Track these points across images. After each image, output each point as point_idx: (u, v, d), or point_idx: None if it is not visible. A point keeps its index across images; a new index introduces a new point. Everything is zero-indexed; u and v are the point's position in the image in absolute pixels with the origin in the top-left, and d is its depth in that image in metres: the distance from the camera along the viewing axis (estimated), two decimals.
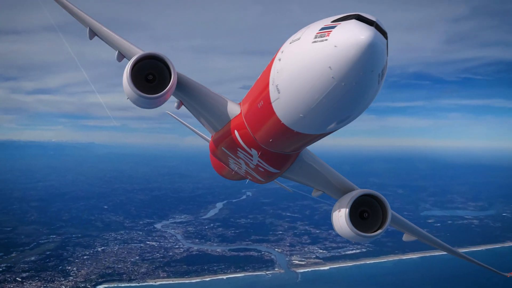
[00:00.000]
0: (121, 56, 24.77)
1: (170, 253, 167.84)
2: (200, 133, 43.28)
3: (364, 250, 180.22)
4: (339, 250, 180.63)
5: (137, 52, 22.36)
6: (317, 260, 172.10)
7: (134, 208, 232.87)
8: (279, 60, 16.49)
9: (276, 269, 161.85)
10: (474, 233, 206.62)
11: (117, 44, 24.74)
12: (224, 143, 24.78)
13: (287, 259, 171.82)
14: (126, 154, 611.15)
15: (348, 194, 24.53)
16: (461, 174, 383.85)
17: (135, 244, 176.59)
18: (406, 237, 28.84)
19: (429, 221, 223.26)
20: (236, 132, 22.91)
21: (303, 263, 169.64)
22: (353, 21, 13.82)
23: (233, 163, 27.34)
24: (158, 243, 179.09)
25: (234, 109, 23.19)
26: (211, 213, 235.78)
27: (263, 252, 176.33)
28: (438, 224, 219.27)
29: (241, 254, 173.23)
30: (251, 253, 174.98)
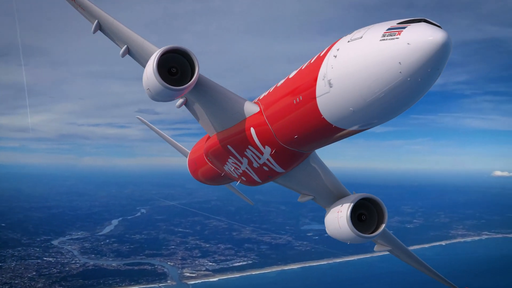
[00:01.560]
0: (126, 52, 25.50)
1: (67, 268, 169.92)
2: (171, 139, 44.43)
3: (250, 262, 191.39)
4: (227, 262, 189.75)
5: (151, 47, 23.90)
6: (207, 272, 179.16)
7: (31, 226, 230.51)
8: (335, 56, 17.24)
9: (168, 281, 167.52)
10: (348, 244, 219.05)
11: (127, 39, 25.18)
12: (231, 141, 25.44)
13: (179, 271, 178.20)
14: (24, 174, 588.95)
15: (346, 197, 25.90)
16: None
17: (32, 260, 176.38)
18: (378, 247, 29.92)
19: (308, 234, 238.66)
20: (252, 129, 23.52)
21: (194, 275, 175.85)
22: (424, 23, 14.90)
23: (231, 163, 27.61)
24: (55, 258, 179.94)
25: (251, 108, 23.92)
26: (107, 229, 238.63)
27: (156, 266, 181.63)
28: (316, 237, 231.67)
29: (136, 268, 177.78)
30: (145, 267, 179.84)
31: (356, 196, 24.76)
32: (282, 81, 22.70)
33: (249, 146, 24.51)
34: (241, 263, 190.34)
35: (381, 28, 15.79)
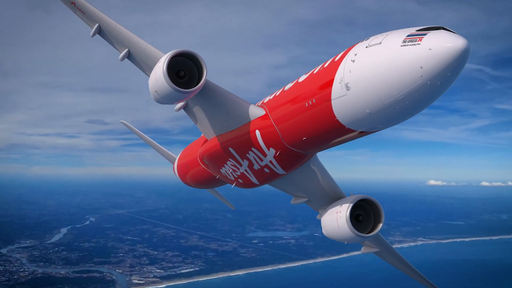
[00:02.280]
0: (125, 55, 25.67)
1: (15, 276, 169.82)
2: (157, 144, 44.44)
3: (197, 268, 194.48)
4: (175, 269, 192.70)
5: (154, 51, 24.35)
6: (155, 279, 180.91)
7: None
8: (352, 61, 17.84)
9: None
10: (291, 251, 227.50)
11: (129, 43, 25.39)
12: (234, 143, 25.82)
13: (127, 279, 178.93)
14: None
15: (344, 199, 26.36)
16: (281, 200, 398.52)
17: None
18: (365, 249, 30.55)
19: (254, 241, 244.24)
20: (257, 132, 23.99)
21: (142, 282, 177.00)
22: (443, 30, 15.69)
23: (229, 166, 27.86)
24: (3, 267, 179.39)
25: (256, 111, 24.38)
26: (56, 237, 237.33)
27: (105, 273, 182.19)
28: (261, 244, 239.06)
29: (84, 275, 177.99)
30: (94, 274, 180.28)
31: (354, 197, 25.36)
32: (290, 85, 23.27)
33: (253, 148, 24.92)
34: (188, 270, 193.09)
35: (400, 34, 16.55)
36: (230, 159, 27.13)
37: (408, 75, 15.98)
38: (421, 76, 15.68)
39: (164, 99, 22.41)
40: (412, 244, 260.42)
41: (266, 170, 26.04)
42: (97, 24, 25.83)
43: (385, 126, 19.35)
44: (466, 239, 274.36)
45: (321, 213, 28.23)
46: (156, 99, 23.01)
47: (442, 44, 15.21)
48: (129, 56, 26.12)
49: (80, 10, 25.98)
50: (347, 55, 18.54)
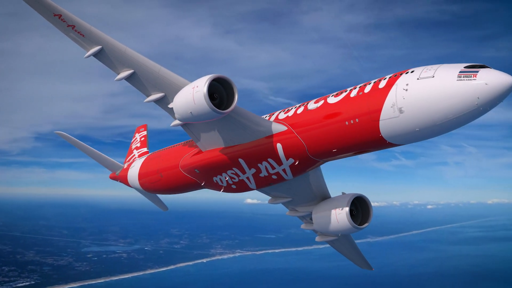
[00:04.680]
0: (127, 76, 27.11)
1: None
2: (99, 153, 44.65)
3: (33, 282, 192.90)
4: (11, 283, 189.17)
5: (170, 75, 26.73)
6: None
7: None
8: (405, 90, 21.23)
9: None
10: (124, 264, 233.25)
11: (138, 65, 26.81)
12: (246, 155, 27.75)
13: None
14: None
15: (339, 197, 29.90)
16: (114, 217, 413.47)
17: None
18: (319, 238, 33.38)
19: (88, 255, 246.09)
20: (279, 144, 26.41)
21: None
22: (491, 69, 19.75)
23: (229, 174, 29.67)
24: None
25: (277, 127, 26.86)
26: None
27: None
28: (96, 258, 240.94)
29: None
30: None
31: (350, 196, 28.81)
32: (316, 105, 25.94)
33: (268, 159, 26.90)
34: (24, 284, 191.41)
35: (451, 70, 20.32)
36: (234, 168, 29.13)
37: (465, 104, 19.43)
38: (476, 104, 19.07)
39: (195, 118, 24.59)
40: (231, 255, 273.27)
41: (274, 176, 28.49)
42: (100, 47, 26.63)
43: (423, 139, 22.70)
44: (276, 250, 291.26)
45: (301, 210, 32.51)
46: (184, 118, 25.57)
47: (496, 80, 18.87)
48: (130, 77, 27.53)
49: (79, 33, 26.48)
50: (395, 85, 21.81)
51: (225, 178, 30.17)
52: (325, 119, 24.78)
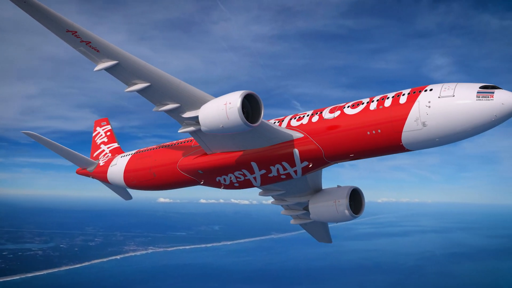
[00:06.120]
0: (141, 89, 27.09)
1: None
2: (69, 150, 43.44)
3: None
4: None
5: (191, 89, 27.45)
6: None
7: None
8: (428, 106, 23.38)
9: None
10: (39, 261, 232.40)
11: (157, 79, 26.93)
12: (260, 158, 28.92)
13: None
14: None
15: (336, 189, 32.28)
16: (30, 215, 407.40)
17: None
18: (294, 221, 36.29)
19: (4, 253, 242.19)
20: (295, 150, 27.79)
21: None
22: (504, 90, 22.52)
23: (236, 174, 30.82)
24: None
25: (296, 135, 28.31)
26: None
27: None
28: (11, 256, 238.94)
29: None
30: None
31: (348, 189, 31.32)
32: (333, 115, 27.73)
33: (283, 162, 28.21)
34: None
35: (469, 90, 23.17)
36: (243, 169, 30.08)
37: (484, 120, 22.59)
38: (493, 120, 22.45)
39: (224, 131, 25.59)
40: (144, 252, 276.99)
41: (283, 176, 29.81)
42: (115, 62, 26.07)
43: (437, 146, 25.13)
44: (187, 247, 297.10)
45: (291, 200, 34.05)
46: (211, 130, 26.27)
47: (510, 100, 22.24)
48: (144, 90, 27.31)
49: (93, 48, 25.78)
50: (417, 101, 24.28)
51: (230, 178, 31.77)
52: (346, 128, 26.85)
